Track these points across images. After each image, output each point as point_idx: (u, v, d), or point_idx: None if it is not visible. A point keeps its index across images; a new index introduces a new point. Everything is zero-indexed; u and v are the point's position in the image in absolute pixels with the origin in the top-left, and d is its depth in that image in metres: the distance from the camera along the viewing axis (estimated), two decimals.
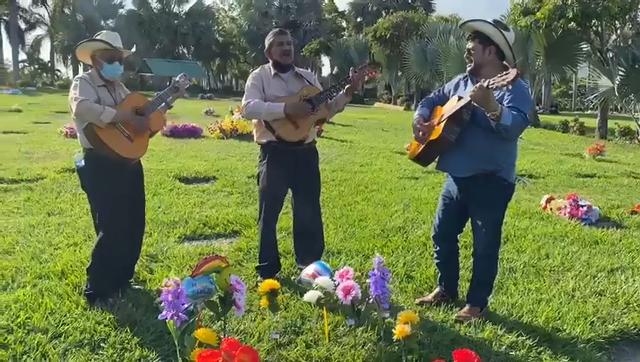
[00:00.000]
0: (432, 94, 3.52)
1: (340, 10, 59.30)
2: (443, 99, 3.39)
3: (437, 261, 3.60)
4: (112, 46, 3.42)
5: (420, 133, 3.29)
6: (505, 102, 2.97)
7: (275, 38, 3.78)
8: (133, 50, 3.74)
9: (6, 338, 2.91)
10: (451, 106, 3.15)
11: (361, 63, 3.94)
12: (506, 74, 2.80)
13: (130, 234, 3.56)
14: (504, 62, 3.19)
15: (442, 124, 3.13)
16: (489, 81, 2.84)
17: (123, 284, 3.58)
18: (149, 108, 3.51)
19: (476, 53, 3.17)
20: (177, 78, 3.62)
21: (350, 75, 3.70)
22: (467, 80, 3.31)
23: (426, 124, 3.30)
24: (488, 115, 2.91)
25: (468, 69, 3.26)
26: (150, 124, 3.53)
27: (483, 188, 3.17)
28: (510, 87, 2.79)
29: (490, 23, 3.12)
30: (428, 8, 49.98)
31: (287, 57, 3.78)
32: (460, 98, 3.13)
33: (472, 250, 3.50)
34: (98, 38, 3.47)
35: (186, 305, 2.48)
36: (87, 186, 3.55)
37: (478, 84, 2.87)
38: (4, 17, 50.94)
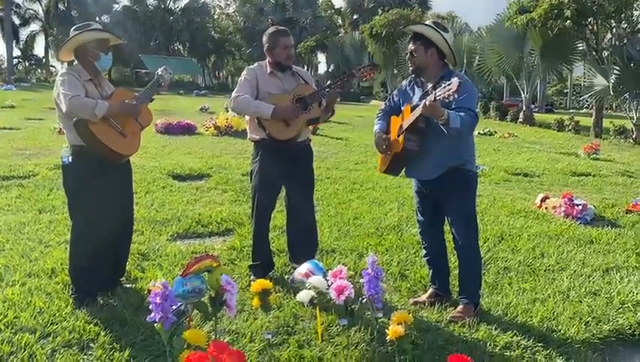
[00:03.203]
0: (384, 105, 3.63)
1: (335, 7, 59.22)
2: (395, 109, 3.52)
3: (426, 258, 3.62)
4: (116, 36, 3.34)
5: (384, 147, 3.43)
6: (453, 104, 3.07)
7: (282, 39, 3.73)
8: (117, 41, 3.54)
9: None
10: (407, 117, 3.26)
11: (361, 64, 3.93)
12: (448, 84, 2.89)
13: (114, 235, 3.44)
14: (445, 61, 3.34)
15: (402, 136, 3.25)
16: (434, 94, 2.95)
17: (113, 283, 3.52)
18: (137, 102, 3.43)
19: (418, 55, 3.29)
20: (160, 72, 3.53)
21: (346, 75, 3.73)
22: (413, 85, 3.45)
23: (386, 136, 3.44)
24: (437, 120, 3.06)
25: (410, 70, 3.39)
26: (140, 118, 3.45)
27: (452, 183, 3.28)
28: (457, 95, 2.88)
29: (430, 26, 3.28)
30: (424, 6, 49.89)
31: (290, 60, 3.77)
32: (412, 108, 3.22)
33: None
34: (93, 28, 3.33)
35: (176, 306, 2.44)
36: (70, 184, 3.40)
37: (426, 101, 2.98)
38: None
